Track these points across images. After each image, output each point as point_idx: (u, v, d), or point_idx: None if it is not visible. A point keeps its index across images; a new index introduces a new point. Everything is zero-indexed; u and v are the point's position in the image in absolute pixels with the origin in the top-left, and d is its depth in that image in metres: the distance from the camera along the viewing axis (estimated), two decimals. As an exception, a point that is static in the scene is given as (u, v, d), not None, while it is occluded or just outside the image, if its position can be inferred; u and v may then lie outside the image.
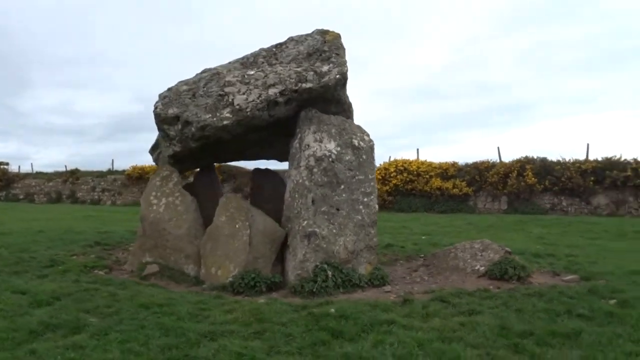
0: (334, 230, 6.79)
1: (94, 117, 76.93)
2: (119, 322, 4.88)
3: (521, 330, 4.64)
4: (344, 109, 7.73)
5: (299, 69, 7.05)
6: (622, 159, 18.90)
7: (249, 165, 27.22)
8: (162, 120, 7.28)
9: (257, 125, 7.19)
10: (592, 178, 18.75)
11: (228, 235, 7.06)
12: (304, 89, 6.95)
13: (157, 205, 7.88)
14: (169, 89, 7.50)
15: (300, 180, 6.89)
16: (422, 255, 9.05)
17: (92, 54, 79.03)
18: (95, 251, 9.52)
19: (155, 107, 7.33)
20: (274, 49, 7.54)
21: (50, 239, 10.64)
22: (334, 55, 7.18)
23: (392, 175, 21.71)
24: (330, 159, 6.91)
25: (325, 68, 7.05)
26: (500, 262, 7.10)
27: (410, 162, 21.89)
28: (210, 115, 6.94)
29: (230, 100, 6.96)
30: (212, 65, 7.85)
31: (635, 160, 18.64)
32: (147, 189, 8.20)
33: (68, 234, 11.45)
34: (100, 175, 29.18)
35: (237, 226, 7.03)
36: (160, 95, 7.55)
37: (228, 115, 6.91)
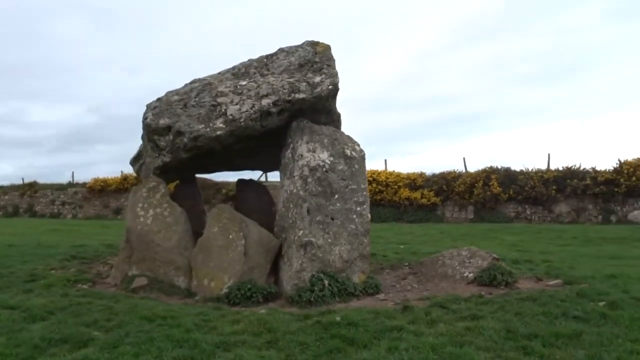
0: (329, 240, 6.84)
1: (47, 128, 74.64)
2: (126, 335, 4.78)
3: (526, 333, 4.79)
4: (334, 119, 7.82)
5: (291, 80, 7.11)
6: (582, 168, 19.70)
7: (221, 176, 26.93)
8: (152, 130, 7.19)
9: (248, 136, 7.19)
10: (554, 187, 19.45)
11: (221, 246, 7.01)
12: (297, 100, 7.01)
13: (145, 217, 7.75)
14: (159, 99, 7.42)
15: (295, 190, 6.92)
16: (407, 264, 9.19)
17: (42, 62, 76.81)
18: (74, 265, 9.25)
19: (145, 118, 7.24)
20: (265, 60, 7.58)
21: (23, 253, 10.28)
22: (325, 66, 7.27)
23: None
24: (324, 169, 6.98)
25: (317, 79, 7.14)
26: (488, 268, 7.29)
27: (379, 173, 22.18)
28: (203, 126, 6.90)
29: (223, 110, 6.95)
30: (200, 75, 7.82)
31: (593, 169, 19.46)
32: (132, 201, 8.05)
33: (41, 248, 11.08)
34: (60, 188, 28.30)
35: (230, 237, 6.99)
36: (149, 106, 7.46)
37: (221, 125, 6.89)
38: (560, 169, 19.98)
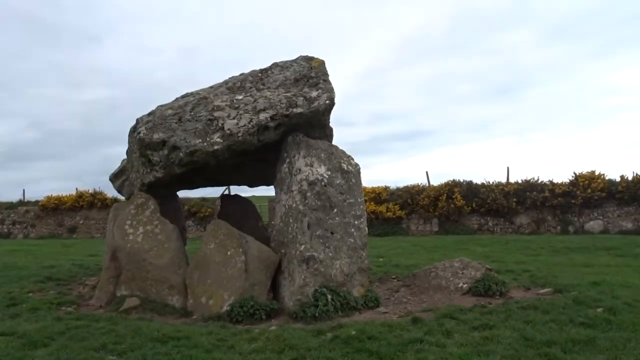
0: (330, 254, 6.81)
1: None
2: (144, 358, 4.59)
3: (544, 340, 4.90)
4: (327, 133, 7.84)
5: (288, 94, 7.09)
6: (540, 181, 20.45)
7: (181, 193, 26.43)
8: (146, 145, 6.99)
9: (244, 150, 7.11)
10: (515, 199, 20.08)
11: (219, 263, 6.86)
12: (294, 114, 6.99)
13: (134, 235, 7.50)
14: (151, 113, 7.24)
15: (294, 205, 6.87)
16: (395, 276, 9.26)
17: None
18: (51, 287, 8.81)
19: (138, 132, 7.03)
20: (260, 74, 7.54)
21: (-9, 277, 9.72)
22: (321, 81, 7.30)
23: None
24: (322, 183, 6.97)
25: (314, 94, 7.15)
26: (483, 279, 7.44)
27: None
28: (200, 140, 6.77)
29: (220, 125, 6.84)
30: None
31: (551, 182, 20.24)
32: (120, 218, 7.78)
33: (8, 270, 10.49)
34: (10, 207, 26.96)
35: (228, 253, 6.85)
36: (141, 120, 7.26)
37: (218, 140, 6.78)
38: (520, 181, 20.68)
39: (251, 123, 6.82)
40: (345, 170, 7.26)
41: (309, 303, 6.46)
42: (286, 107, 6.95)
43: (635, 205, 19.01)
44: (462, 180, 21.43)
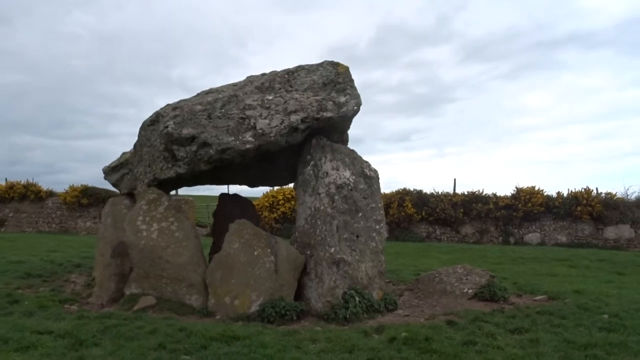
0: (357, 257, 6.95)
1: None
2: (218, 358, 4.52)
3: (584, 343, 5.31)
4: (344, 139, 7.98)
5: (318, 98, 7.17)
6: (484, 193, 21.60)
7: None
8: (173, 140, 6.79)
9: (268, 151, 7.10)
10: (462, 210, 21.08)
11: (245, 263, 6.79)
12: (324, 118, 7.07)
13: (148, 232, 7.25)
14: (178, 107, 7.04)
15: (322, 207, 6.95)
16: (389, 280, 9.51)
17: None
18: (37, 283, 8.34)
19: (166, 126, 6.82)
20: (287, 76, 7.54)
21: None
22: (348, 87, 7.43)
23: (280, 202, 22.03)
24: (349, 187, 7.11)
25: (342, 99, 7.27)
26: (488, 285, 7.85)
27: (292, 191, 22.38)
28: (232, 138, 6.69)
29: (252, 124, 6.80)
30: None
31: (494, 195, 21.43)
32: (131, 214, 7.49)
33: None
34: None
35: (255, 253, 6.80)
36: (165, 114, 7.05)
37: (250, 139, 6.74)
38: (466, 193, 21.72)
39: (283, 124, 6.83)
40: (368, 175, 7.44)
41: (339, 305, 6.56)
42: (317, 110, 7.02)
43: (569, 220, 20.55)
44: (412, 189, 22.18)
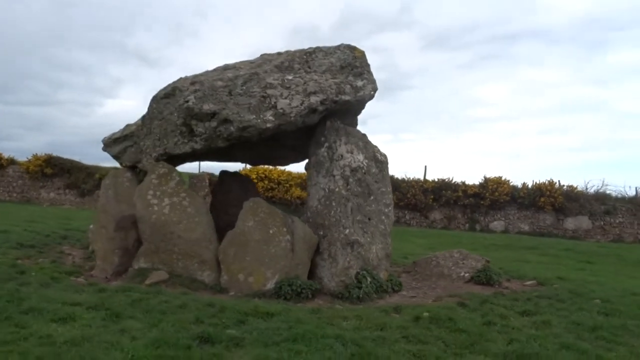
0: (368, 239, 7.14)
1: None
2: (260, 333, 4.62)
3: (591, 325, 5.68)
4: (353, 123, 8.09)
5: (336, 81, 7.24)
6: (454, 181, 22.20)
7: (91, 160, 24.78)
8: (193, 115, 6.74)
9: (284, 130, 7.15)
10: (432, 196, 21.63)
11: (259, 241, 6.85)
12: (343, 101, 7.17)
13: (159, 206, 7.20)
14: (197, 82, 6.97)
15: (337, 189, 7.07)
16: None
17: None
18: (33, 254, 8.18)
19: (186, 100, 6.75)
20: (305, 57, 7.55)
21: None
22: (365, 72, 7.54)
23: (253, 180, 21.99)
24: (362, 171, 7.26)
25: (359, 83, 7.38)
26: (484, 269, 8.21)
27: (271, 171, 22.39)
28: (254, 116, 6.70)
29: (272, 103, 6.82)
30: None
31: (463, 183, 22.07)
32: (140, 187, 7.40)
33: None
34: None
35: (270, 232, 6.87)
36: (184, 87, 6.97)
37: (271, 118, 6.76)
38: (437, 180, 22.27)
39: (303, 105, 6.89)
40: (379, 159, 7.61)
41: (353, 284, 6.75)
42: (335, 93, 7.10)
43: (533, 210, 21.42)
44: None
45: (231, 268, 6.89)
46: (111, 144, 8.48)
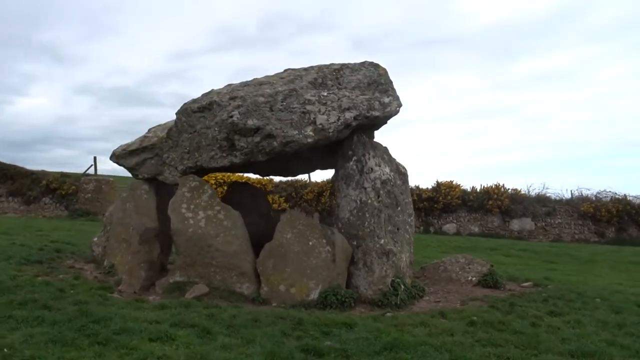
0: (399, 248, 7.54)
1: None
2: (357, 340, 4.88)
3: (617, 323, 6.36)
4: (371, 136, 8.44)
5: (366, 97, 7.57)
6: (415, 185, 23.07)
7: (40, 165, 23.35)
8: (237, 130, 6.83)
9: (318, 145, 7.40)
10: (388, 200, 22.39)
11: (298, 252, 7.05)
12: (373, 117, 7.52)
13: (195, 220, 7.23)
14: (238, 97, 7.05)
15: (369, 201, 7.40)
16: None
17: None
18: (45, 270, 7.92)
19: (231, 116, 6.83)
20: (334, 73, 7.81)
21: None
22: (390, 88, 7.92)
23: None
24: (391, 183, 7.65)
25: (386, 99, 7.75)
26: (490, 273, 8.83)
27: (230, 175, 22.29)
28: (297, 132, 6.90)
29: (312, 118, 7.05)
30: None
31: (417, 187, 23.02)
32: (174, 201, 7.38)
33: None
34: None
35: (310, 243, 7.09)
36: (224, 103, 7.04)
37: (311, 133, 7.00)
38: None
39: (339, 120, 7.17)
40: (402, 172, 8.04)
41: (390, 292, 7.12)
42: (367, 109, 7.44)
43: (481, 212, 22.71)
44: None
45: (271, 279, 7.05)
46: (126, 155, 8.34)
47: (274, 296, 6.97)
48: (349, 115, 7.27)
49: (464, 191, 22.99)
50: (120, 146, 8.59)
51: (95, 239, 9.16)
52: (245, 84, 7.59)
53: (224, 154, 7.15)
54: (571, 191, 24.09)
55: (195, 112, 7.39)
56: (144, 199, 8.12)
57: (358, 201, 7.52)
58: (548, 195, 23.63)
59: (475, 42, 69.05)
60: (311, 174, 23.67)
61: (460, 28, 63.82)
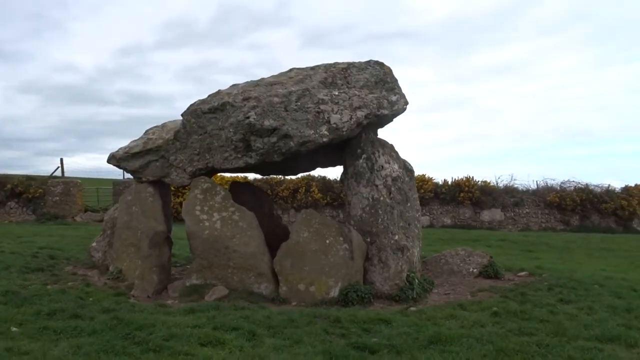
0: (411, 243, 7.69)
1: None
2: (401, 339, 4.99)
3: (625, 307, 6.69)
4: (376, 134, 8.56)
5: (375, 95, 7.67)
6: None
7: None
8: (254, 131, 6.80)
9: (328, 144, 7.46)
10: (363, 195, 22.63)
11: (316, 251, 7.11)
12: (382, 115, 7.63)
13: (210, 222, 7.18)
14: (252, 98, 7.01)
15: (382, 198, 7.52)
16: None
17: None
18: (51, 278, 7.68)
19: (247, 116, 6.79)
20: (342, 72, 7.85)
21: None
22: (396, 87, 8.04)
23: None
24: (401, 180, 7.79)
25: (393, 98, 7.87)
26: (490, 264, 9.11)
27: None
28: (313, 132, 6.93)
29: (326, 118, 7.09)
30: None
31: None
32: (187, 203, 7.30)
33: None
34: None
35: (327, 242, 7.15)
36: (239, 104, 6.99)
37: (326, 132, 7.05)
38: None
39: (352, 119, 7.25)
40: (409, 168, 8.20)
41: (406, 287, 7.26)
42: (377, 107, 7.54)
43: (453, 204, 23.27)
44: (317, 176, 23.15)
45: (289, 279, 7.08)
46: (128, 158, 8.17)
47: (293, 295, 7.01)
48: (360, 114, 7.35)
49: (436, 184, 23.49)
50: (121, 149, 8.40)
51: (94, 244, 8.94)
52: (255, 84, 7.56)
53: (239, 155, 7.11)
54: (537, 182, 24.97)
55: (206, 113, 7.31)
56: (150, 202, 7.98)
57: (370, 198, 7.62)
58: (516, 186, 24.41)
59: (430, 37, 70.44)
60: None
61: (414, 22, 64.94)
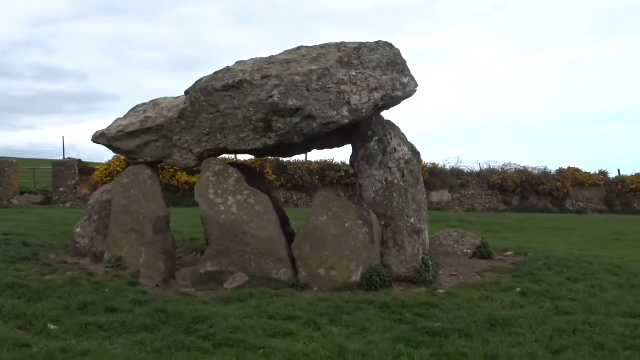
0: (423, 226, 7.72)
1: None
2: (459, 322, 4.99)
3: (631, 284, 7.03)
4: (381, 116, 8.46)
5: (389, 77, 7.56)
6: (335, 162, 23.47)
7: None
8: (277, 110, 6.49)
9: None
10: (317, 176, 22.61)
11: (337, 235, 6.95)
12: (397, 97, 7.55)
13: (225, 206, 6.84)
14: (272, 76, 6.68)
15: (396, 181, 7.46)
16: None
17: None
18: (43, 268, 7.01)
19: (271, 95, 6.47)
20: (356, 52, 7.63)
21: None
22: (406, 68, 7.94)
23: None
24: (412, 162, 7.78)
25: (405, 80, 7.79)
26: (483, 245, 9.34)
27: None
28: (335, 112, 6.73)
29: (346, 99, 6.90)
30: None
31: (344, 163, 23.40)
32: (199, 186, 6.91)
33: None
34: None
35: (347, 225, 7.00)
36: (259, 82, 6.64)
37: (347, 114, 6.87)
38: (320, 161, 23.28)
39: (370, 101, 7.10)
40: (416, 151, 8.19)
41: (423, 269, 7.29)
42: (392, 89, 7.44)
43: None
44: (270, 158, 22.79)
45: (309, 263, 6.90)
46: (123, 138, 7.60)
47: (314, 280, 6.84)
48: (377, 95, 7.22)
49: (388, 166, 23.82)
50: (114, 127, 7.79)
51: (79, 229, 8.27)
52: (267, 61, 7.21)
53: (257, 136, 6.79)
54: (480, 164, 25.95)
55: (219, 90, 6.90)
56: (149, 185, 7.50)
57: (384, 181, 7.54)
58: (462, 168, 25.26)
59: (355, 19, 71.02)
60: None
61: (340, 3, 64.96)
